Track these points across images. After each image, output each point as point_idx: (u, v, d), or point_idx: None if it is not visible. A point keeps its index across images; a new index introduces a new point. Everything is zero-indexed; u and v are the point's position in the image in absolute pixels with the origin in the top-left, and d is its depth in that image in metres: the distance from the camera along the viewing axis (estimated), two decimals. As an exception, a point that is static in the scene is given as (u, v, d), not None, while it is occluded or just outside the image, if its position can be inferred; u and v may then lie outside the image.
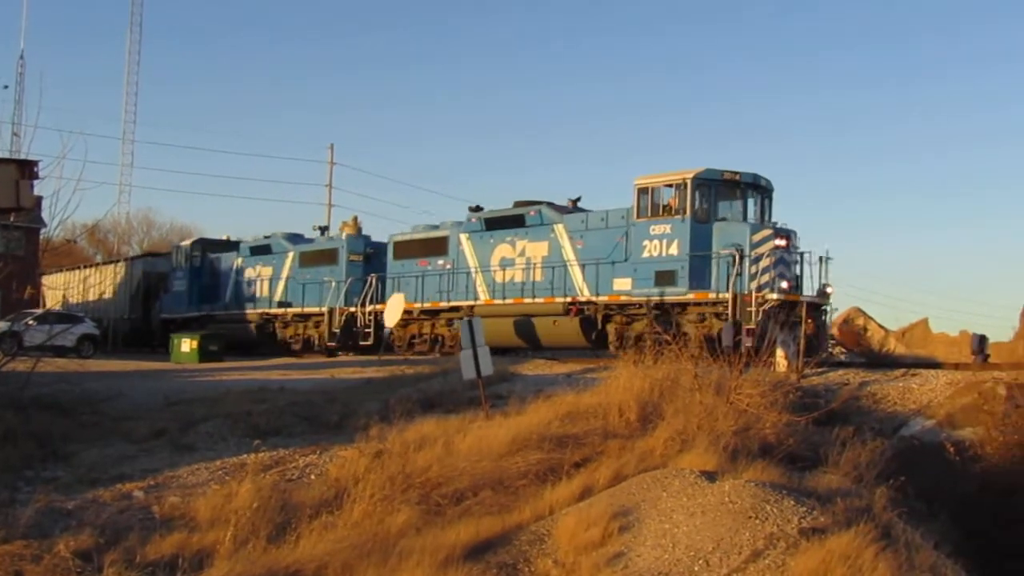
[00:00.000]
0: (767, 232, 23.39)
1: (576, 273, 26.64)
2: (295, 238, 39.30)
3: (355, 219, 40.09)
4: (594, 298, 25.80)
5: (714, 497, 11.64)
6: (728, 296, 22.39)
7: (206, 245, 43.42)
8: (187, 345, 36.52)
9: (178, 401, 20.21)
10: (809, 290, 24.02)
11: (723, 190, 24.80)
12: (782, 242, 23.43)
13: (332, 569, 10.35)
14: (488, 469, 13.55)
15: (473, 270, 29.98)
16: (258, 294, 38.92)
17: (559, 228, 27.61)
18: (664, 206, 24.65)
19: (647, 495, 12.12)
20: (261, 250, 40.20)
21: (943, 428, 17.69)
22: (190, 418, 17.94)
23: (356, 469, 13.41)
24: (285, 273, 37.93)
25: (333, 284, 34.25)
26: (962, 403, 18.21)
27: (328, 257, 36.18)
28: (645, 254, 24.62)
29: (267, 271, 39.15)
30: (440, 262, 31.10)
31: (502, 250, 29.39)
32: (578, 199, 29.00)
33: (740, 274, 22.60)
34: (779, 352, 21.78)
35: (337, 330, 33.09)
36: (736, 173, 24.65)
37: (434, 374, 22.77)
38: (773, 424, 15.55)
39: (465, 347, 17.52)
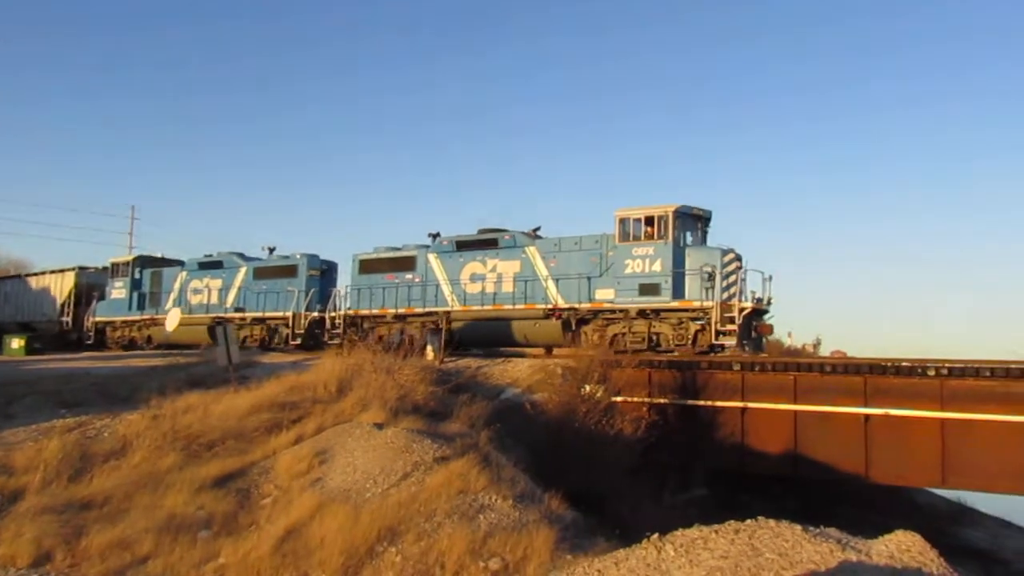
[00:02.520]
0: (732, 255, 20.82)
1: (551, 286, 22.72)
2: (243, 256, 32.17)
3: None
4: (575, 305, 22.10)
5: (381, 440, 11.89)
6: (710, 304, 19.94)
7: (146, 261, 34.99)
8: (16, 343, 32.47)
9: (4, 383, 18.17)
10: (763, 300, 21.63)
11: (688, 221, 21.68)
12: (740, 263, 21.03)
13: (117, 498, 9.91)
14: (233, 425, 13.27)
15: (442, 283, 25.17)
16: (208, 302, 31.66)
17: (531, 250, 23.56)
18: (645, 232, 21.34)
19: (338, 439, 12.22)
20: (210, 265, 32.24)
21: (525, 394, 18.42)
22: (13, 395, 16.26)
23: (138, 428, 12.81)
24: (237, 284, 30.77)
25: (296, 293, 28.36)
26: (537, 378, 18.96)
27: (287, 271, 29.47)
28: (628, 271, 21.33)
29: (216, 283, 31.76)
30: (408, 276, 25.89)
31: (472, 267, 24.82)
32: (538, 228, 24.53)
33: (712, 288, 20.14)
34: (428, 347, 21.99)
35: (302, 331, 27.57)
36: (702, 210, 21.96)
37: (200, 363, 21.58)
38: (422, 393, 15.80)
39: (220, 344, 16.84)
